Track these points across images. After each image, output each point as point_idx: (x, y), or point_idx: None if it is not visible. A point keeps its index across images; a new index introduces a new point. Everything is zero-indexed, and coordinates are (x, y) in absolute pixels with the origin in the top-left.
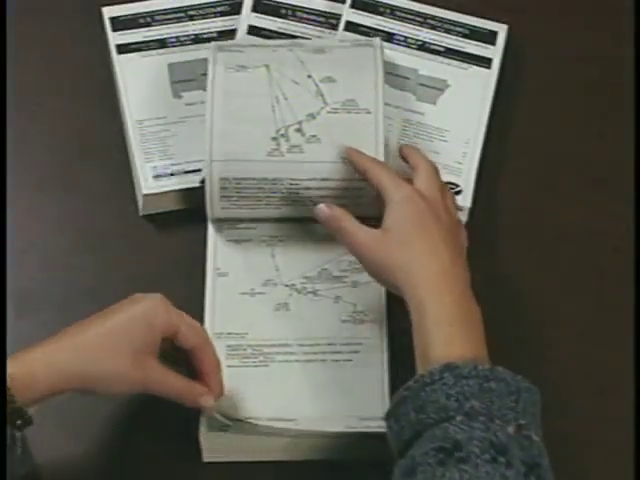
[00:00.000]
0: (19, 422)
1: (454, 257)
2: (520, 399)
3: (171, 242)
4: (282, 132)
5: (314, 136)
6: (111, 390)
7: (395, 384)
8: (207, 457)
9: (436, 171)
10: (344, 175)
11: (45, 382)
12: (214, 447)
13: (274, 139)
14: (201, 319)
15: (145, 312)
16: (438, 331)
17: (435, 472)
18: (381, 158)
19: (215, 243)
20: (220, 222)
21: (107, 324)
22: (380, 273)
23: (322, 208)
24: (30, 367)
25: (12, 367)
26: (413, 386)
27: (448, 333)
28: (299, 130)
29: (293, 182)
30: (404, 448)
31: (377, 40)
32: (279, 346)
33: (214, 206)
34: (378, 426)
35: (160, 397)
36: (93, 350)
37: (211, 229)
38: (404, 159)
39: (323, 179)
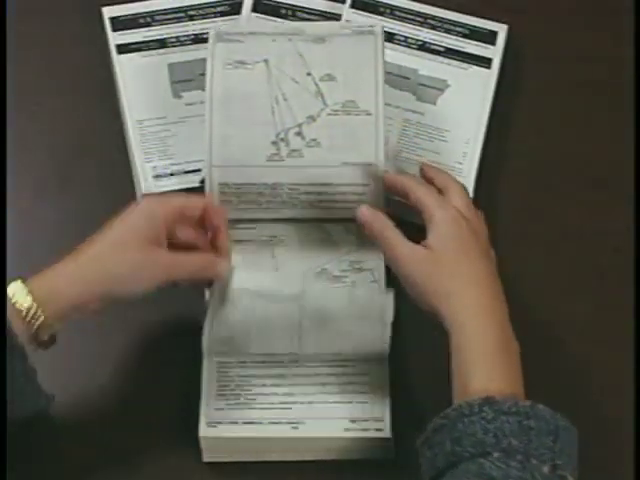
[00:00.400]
0: (45, 338)
1: (496, 287)
2: (558, 439)
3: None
4: (282, 136)
5: (314, 140)
6: (130, 290)
7: (395, 384)
8: (207, 457)
9: (466, 191)
10: (345, 180)
11: (68, 294)
12: (214, 447)
13: (274, 143)
14: (201, 318)
15: (142, 208)
16: (479, 363)
17: None
18: (381, 160)
19: None
20: None
21: (112, 233)
22: (420, 293)
23: (364, 211)
24: (52, 282)
25: (34, 284)
26: (451, 414)
27: (489, 367)
28: (299, 134)
29: (293, 187)
30: (436, 476)
31: (379, 28)
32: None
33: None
34: (376, 429)
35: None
36: (105, 257)
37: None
38: (428, 180)
39: (323, 184)
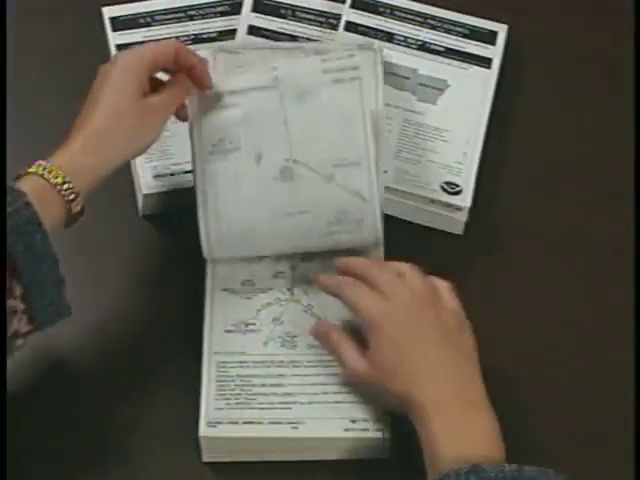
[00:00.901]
0: (78, 209)
1: (459, 371)
2: None
3: (171, 242)
4: None
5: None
6: (142, 146)
7: None
8: (207, 457)
9: (422, 274)
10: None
11: (91, 166)
12: (214, 447)
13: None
14: (201, 318)
15: (123, 67)
16: (446, 436)
17: None
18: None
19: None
20: None
21: (106, 102)
22: (378, 400)
23: (319, 326)
24: (74, 158)
25: (61, 161)
26: None
27: (457, 436)
28: None
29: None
30: None
31: (377, 44)
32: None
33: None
34: (376, 429)
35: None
36: (111, 130)
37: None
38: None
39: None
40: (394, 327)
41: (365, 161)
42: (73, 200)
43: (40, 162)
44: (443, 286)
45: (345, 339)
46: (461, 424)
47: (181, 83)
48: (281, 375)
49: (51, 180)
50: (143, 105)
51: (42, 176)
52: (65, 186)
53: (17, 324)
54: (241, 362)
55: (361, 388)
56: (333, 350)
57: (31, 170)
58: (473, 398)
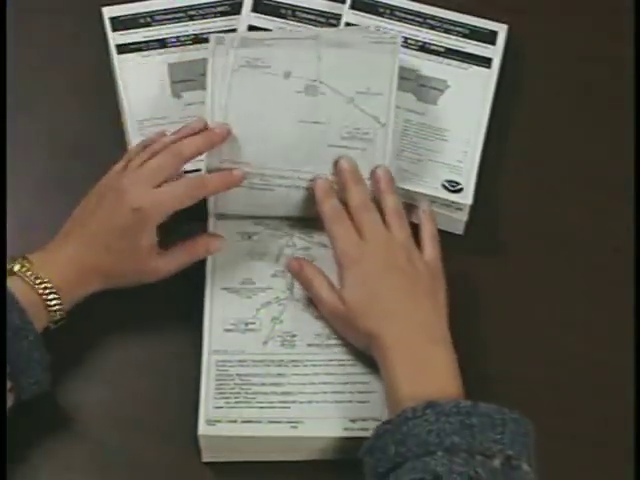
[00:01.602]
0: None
1: (419, 317)
2: (506, 430)
3: (171, 241)
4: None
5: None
6: (127, 286)
7: None
8: (206, 457)
9: (405, 221)
10: None
11: (82, 286)
12: (213, 446)
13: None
14: (200, 317)
15: (140, 220)
16: (405, 373)
17: None
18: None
19: None
20: (221, 218)
21: (115, 245)
22: (350, 337)
23: (292, 263)
24: (65, 275)
25: (54, 277)
26: (395, 420)
27: (416, 373)
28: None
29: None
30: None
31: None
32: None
33: (218, 200)
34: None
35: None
36: (108, 266)
37: (212, 224)
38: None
39: None
40: (366, 267)
41: (387, 93)
42: (58, 317)
43: (31, 272)
44: (426, 235)
45: (319, 274)
46: (420, 361)
47: (189, 251)
48: (280, 374)
49: (41, 294)
50: (148, 266)
51: (32, 287)
52: (53, 302)
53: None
54: (240, 361)
55: (335, 324)
56: (307, 285)
57: (20, 273)
58: (435, 338)
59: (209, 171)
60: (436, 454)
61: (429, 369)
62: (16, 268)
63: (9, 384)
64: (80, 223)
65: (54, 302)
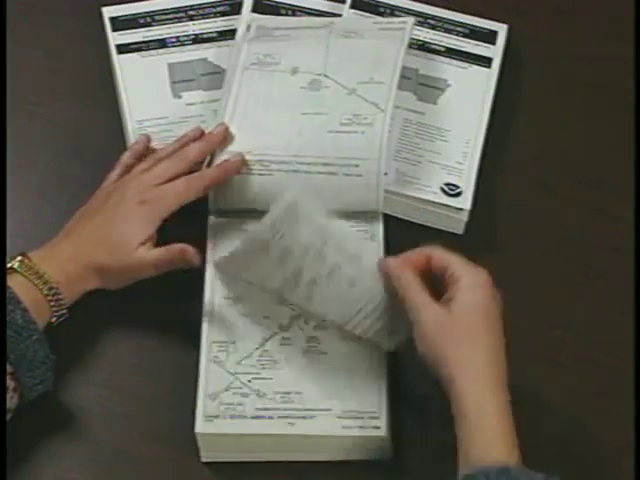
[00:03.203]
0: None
1: (504, 363)
2: None
3: (171, 240)
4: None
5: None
6: (130, 282)
7: (394, 383)
8: (205, 457)
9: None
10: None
11: (81, 283)
12: (211, 445)
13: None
14: (200, 316)
15: (143, 218)
16: (481, 429)
17: None
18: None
19: (215, 238)
20: (220, 216)
21: (114, 238)
22: (429, 353)
23: (390, 262)
24: (66, 272)
25: (53, 272)
26: None
27: (490, 433)
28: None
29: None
30: None
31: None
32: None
33: (217, 192)
34: (374, 426)
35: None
36: (106, 261)
37: (211, 222)
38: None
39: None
40: (485, 295)
41: (388, 81)
42: (60, 313)
43: (32, 268)
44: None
45: (417, 281)
46: (492, 430)
47: (169, 248)
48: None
49: (42, 290)
50: (136, 254)
51: (34, 284)
52: (55, 298)
53: (9, 402)
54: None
55: (419, 336)
56: (402, 291)
57: (21, 270)
58: (504, 399)
59: (209, 165)
60: None
61: (497, 433)
62: (16, 265)
63: (13, 384)
64: (82, 222)
65: (55, 297)
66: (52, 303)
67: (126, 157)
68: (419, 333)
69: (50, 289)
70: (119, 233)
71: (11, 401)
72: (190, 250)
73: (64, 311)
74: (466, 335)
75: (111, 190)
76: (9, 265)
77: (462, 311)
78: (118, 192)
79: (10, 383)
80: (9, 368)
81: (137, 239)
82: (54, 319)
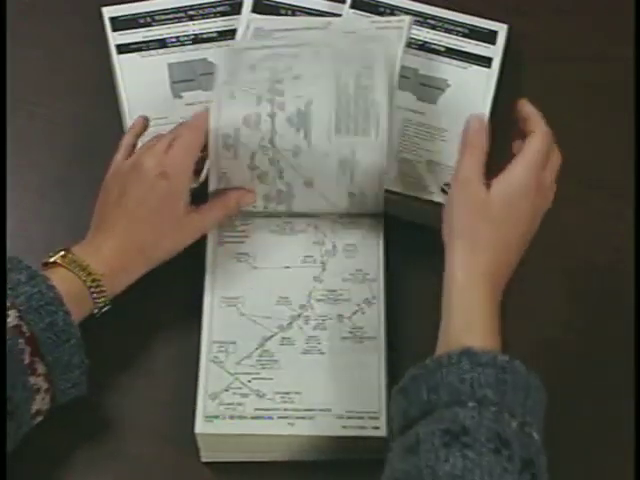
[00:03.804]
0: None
1: (518, 254)
2: (529, 396)
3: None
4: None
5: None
6: (174, 253)
7: (393, 382)
8: (204, 457)
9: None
10: None
11: (126, 271)
12: (210, 445)
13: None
14: (200, 316)
15: (170, 192)
16: (462, 315)
17: (438, 453)
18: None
19: (214, 239)
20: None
21: (150, 220)
22: (447, 224)
23: (475, 120)
24: (110, 262)
25: (96, 265)
26: (430, 365)
27: (472, 320)
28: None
29: None
30: (408, 425)
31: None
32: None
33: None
34: (373, 427)
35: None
36: (148, 244)
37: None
38: (520, 119)
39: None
40: (531, 180)
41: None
42: (102, 304)
43: (77, 260)
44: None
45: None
46: (474, 308)
47: (222, 204)
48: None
49: (87, 283)
50: (187, 225)
51: (79, 277)
52: (97, 290)
53: (40, 403)
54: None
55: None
56: (463, 149)
57: (64, 263)
58: (492, 296)
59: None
60: (466, 404)
61: (476, 317)
62: (59, 259)
63: (46, 385)
64: (111, 211)
65: (98, 289)
66: (94, 295)
67: (128, 137)
68: (450, 199)
69: (93, 281)
70: (162, 210)
71: (42, 402)
72: (245, 195)
73: (107, 302)
74: (486, 224)
75: (125, 171)
76: (52, 259)
77: (497, 199)
78: (134, 169)
79: (43, 384)
80: (43, 369)
81: (180, 211)
82: (96, 311)
